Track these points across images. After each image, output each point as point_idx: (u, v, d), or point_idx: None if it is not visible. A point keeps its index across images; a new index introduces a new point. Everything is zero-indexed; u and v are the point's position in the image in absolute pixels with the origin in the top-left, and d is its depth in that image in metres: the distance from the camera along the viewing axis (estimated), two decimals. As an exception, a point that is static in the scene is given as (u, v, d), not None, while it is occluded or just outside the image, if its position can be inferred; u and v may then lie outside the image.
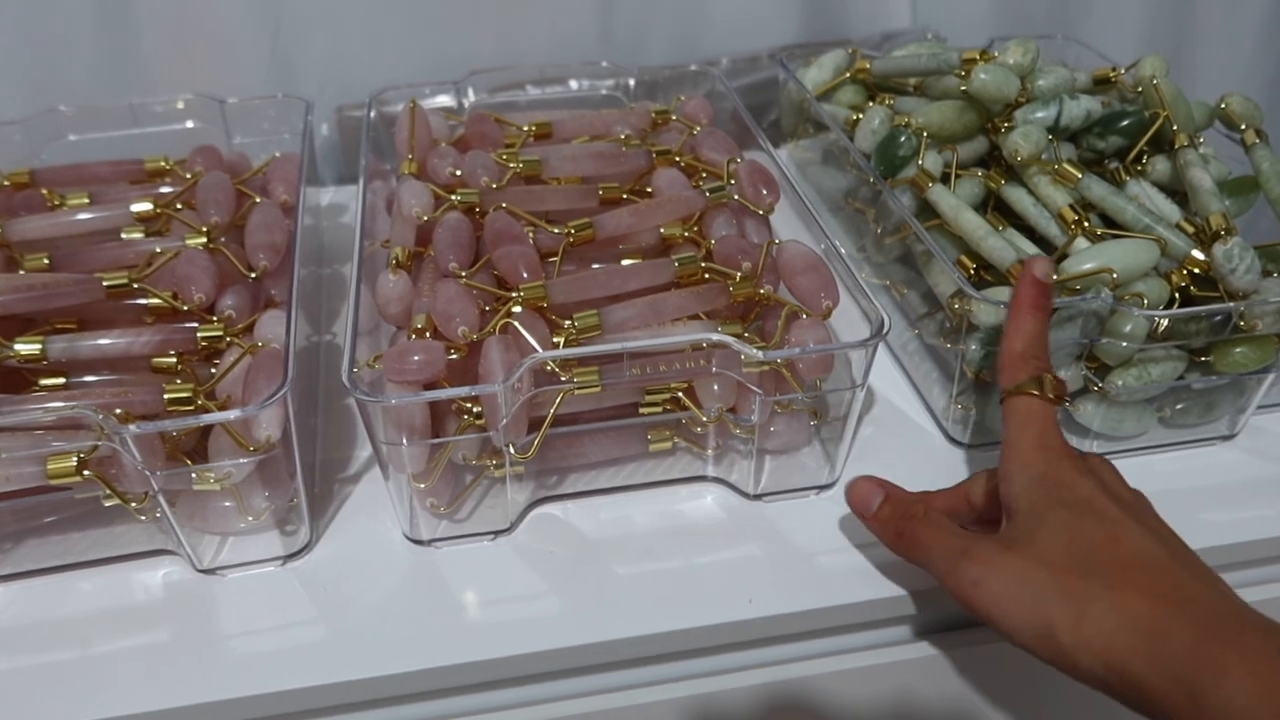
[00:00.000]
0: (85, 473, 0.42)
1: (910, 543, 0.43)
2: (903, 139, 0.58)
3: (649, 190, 0.57)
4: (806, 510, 0.50)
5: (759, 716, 0.46)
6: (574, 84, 0.76)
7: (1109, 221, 0.54)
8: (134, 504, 0.44)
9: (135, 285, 0.50)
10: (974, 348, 0.50)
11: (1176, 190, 0.56)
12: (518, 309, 0.48)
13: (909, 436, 0.54)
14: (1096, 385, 0.50)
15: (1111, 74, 0.63)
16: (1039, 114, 0.56)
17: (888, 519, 0.44)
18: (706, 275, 0.51)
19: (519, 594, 0.45)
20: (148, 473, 0.42)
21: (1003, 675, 0.48)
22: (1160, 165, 0.57)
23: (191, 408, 0.45)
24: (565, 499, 0.50)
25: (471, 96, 0.71)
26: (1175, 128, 0.56)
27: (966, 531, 0.42)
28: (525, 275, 0.48)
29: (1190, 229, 0.52)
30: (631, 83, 0.72)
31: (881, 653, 0.46)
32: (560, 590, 0.46)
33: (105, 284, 0.49)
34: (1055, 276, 0.49)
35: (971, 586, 0.39)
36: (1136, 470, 0.52)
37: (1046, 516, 0.39)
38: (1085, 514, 0.39)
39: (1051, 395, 0.44)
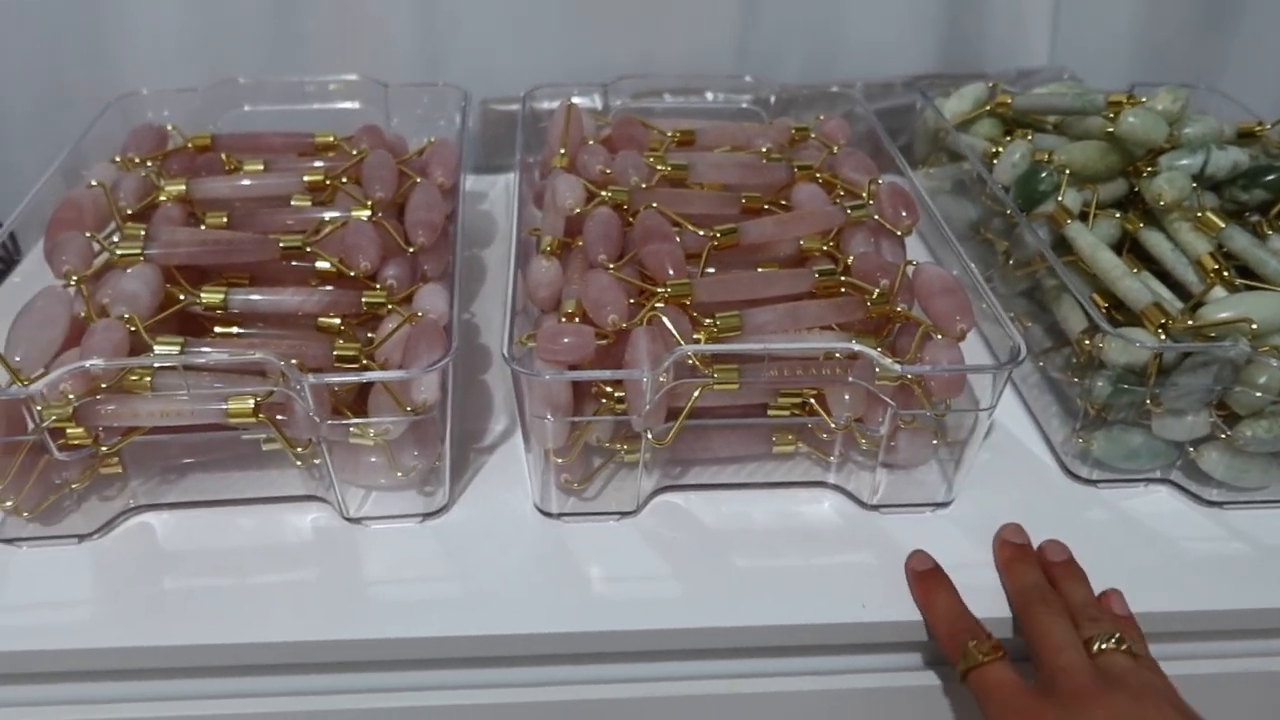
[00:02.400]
0: (259, 415, 0.45)
1: None
2: (1044, 174, 0.59)
3: (785, 203, 0.59)
4: (922, 525, 0.51)
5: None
6: (709, 96, 0.78)
7: (1247, 273, 0.54)
8: (297, 449, 0.47)
9: (307, 249, 0.53)
10: (1100, 384, 0.51)
11: (1319, 249, 0.56)
12: (662, 303, 0.50)
13: (1026, 466, 0.55)
14: (1224, 433, 0.51)
15: (1257, 128, 0.63)
16: (1184, 161, 0.57)
17: None
18: (844, 289, 0.52)
19: (642, 574, 0.48)
20: (317, 421, 0.45)
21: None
22: (1304, 223, 0.57)
23: (357, 365, 0.48)
24: (688, 489, 0.52)
25: (614, 100, 0.74)
26: (1323, 186, 0.56)
27: None
28: (672, 272, 0.51)
29: (1333, 288, 0.52)
30: (771, 99, 0.74)
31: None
32: (682, 575, 0.48)
33: (281, 245, 0.53)
34: (1192, 322, 0.50)
35: None
36: (1256, 523, 0.52)
37: None
38: None
39: (985, 660, 0.43)
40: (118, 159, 0.61)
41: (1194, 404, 0.51)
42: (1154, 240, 0.56)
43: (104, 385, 0.44)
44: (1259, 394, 0.48)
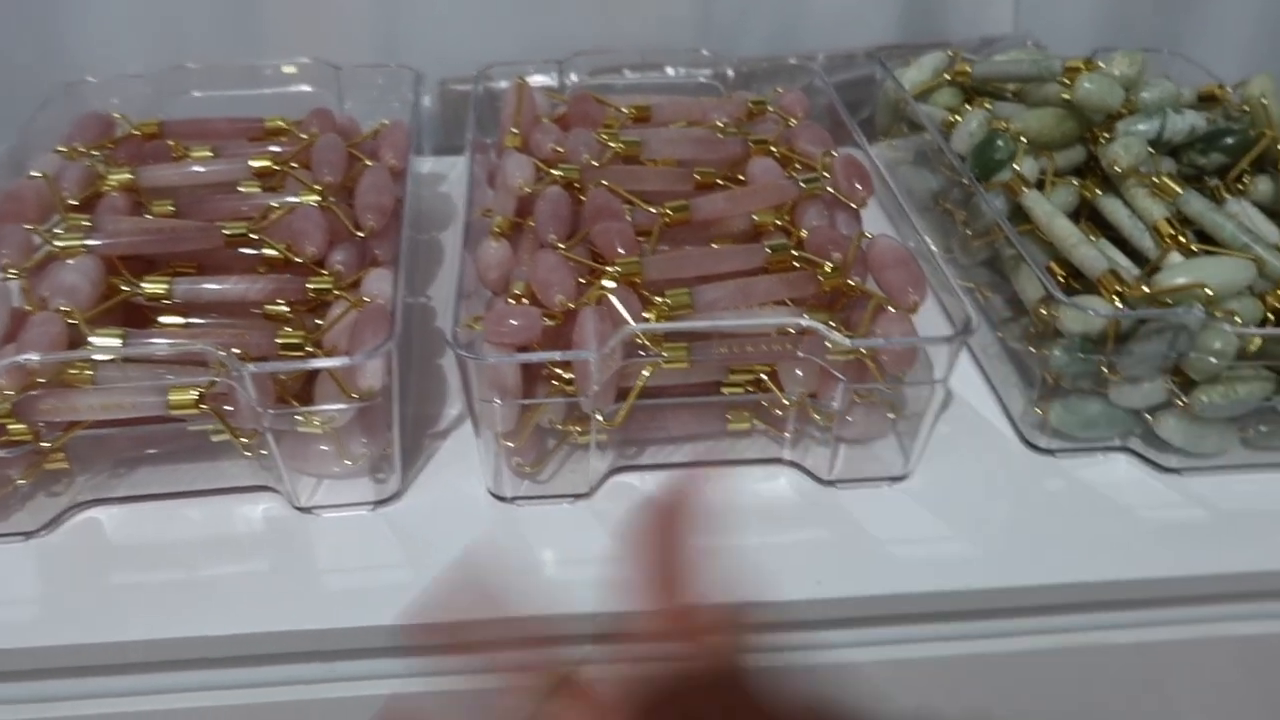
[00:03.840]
0: (202, 406, 0.45)
1: None
2: (1000, 143, 0.58)
3: (742, 178, 0.58)
4: (878, 499, 0.50)
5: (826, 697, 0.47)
6: (670, 71, 0.77)
7: (1205, 238, 0.54)
8: (243, 440, 0.46)
9: (253, 235, 0.52)
10: (1058, 353, 0.51)
11: (1278, 211, 0.55)
12: (612, 283, 0.49)
13: (984, 437, 0.55)
14: (1181, 400, 0.50)
15: (1217, 91, 0.63)
16: (1141, 126, 0.56)
17: None
18: (796, 263, 0.52)
19: (596, 556, 0.47)
20: (260, 410, 0.45)
21: (1064, 673, 0.48)
22: (1262, 185, 0.56)
23: (301, 353, 0.48)
24: (643, 469, 0.52)
25: (572, 77, 0.73)
26: (1281, 148, 0.56)
27: None
28: (622, 251, 0.50)
29: (1289, 250, 0.52)
30: (730, 72, 0.73)
31: (946, 645, 0.47)
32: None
33: (225, 232, 0.52)
34: (1147, 289, 0.50)
35: None
36: (1214, 489, 0.52)
37: None
38: None
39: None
40: (62, 148, 0.60)
41: (1150, 371, 0.50)
42: (1111, 207, 0.56)
43: (41, 380, 0.44)
44: (1214, 359, 0.48)
